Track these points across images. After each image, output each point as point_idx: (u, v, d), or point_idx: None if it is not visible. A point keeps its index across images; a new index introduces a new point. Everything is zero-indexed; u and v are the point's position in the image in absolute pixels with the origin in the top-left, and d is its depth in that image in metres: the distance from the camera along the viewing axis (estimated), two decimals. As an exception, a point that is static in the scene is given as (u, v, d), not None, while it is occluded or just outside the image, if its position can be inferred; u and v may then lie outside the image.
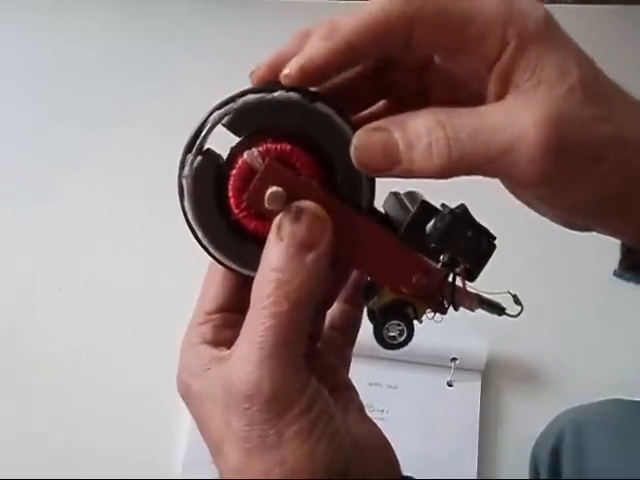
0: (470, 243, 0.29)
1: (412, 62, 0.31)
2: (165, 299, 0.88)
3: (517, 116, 0.25)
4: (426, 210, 0.29)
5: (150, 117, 1.01)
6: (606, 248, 0.92)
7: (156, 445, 0.82)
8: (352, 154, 0.27)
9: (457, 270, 0.29)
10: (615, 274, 0.93)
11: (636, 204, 0.27)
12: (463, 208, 0.29)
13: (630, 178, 0.26)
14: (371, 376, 0.82)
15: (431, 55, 0.30)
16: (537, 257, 0.89)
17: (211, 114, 0.28)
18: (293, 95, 0.28)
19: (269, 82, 0.29)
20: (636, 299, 0.92)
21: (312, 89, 0.28)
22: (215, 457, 0.28)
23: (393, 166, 0.27)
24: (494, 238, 0.29)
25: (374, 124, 0.27)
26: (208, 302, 0.31)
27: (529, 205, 0.31)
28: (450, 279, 0.29)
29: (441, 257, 0.29)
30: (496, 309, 0.32)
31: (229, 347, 0.29)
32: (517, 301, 0.32)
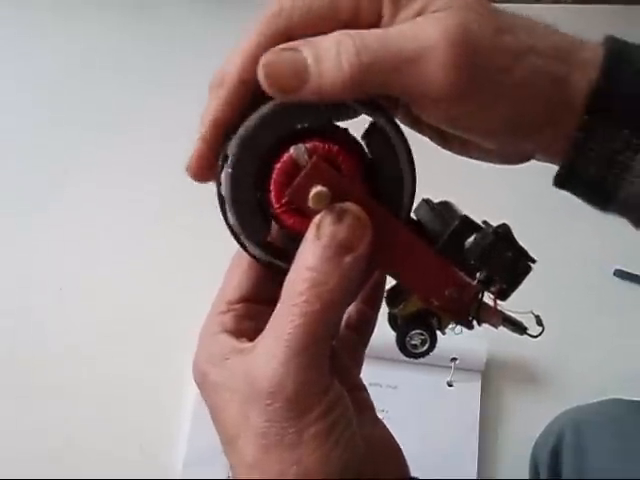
0: (509, 264, 0.29)
1: None
2: (165, 301, 0.88)
3: (425, 28, 0.25)
4: (467, 225, 0.29)
5: (150, 119, 1.01)
6: (606, 248, 0.93)
7: (156, 445, 0.82)
8: (259, 73, 0.26)
9: (492, 289, 0.29)
10: (615, 274, 0.93)
11: (555, 118, 0.27)
12: (506, 228, 0.29)
13: (541, 88, 0.26)
14: (371, 376, 0.81)
15: None
16: (537, 257, 0.89)
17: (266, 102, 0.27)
18: (352, 102, 0.27)
19: None
20: (636, 299, 0.92)
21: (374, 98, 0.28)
22: (228, 448, 0.28)
23: (302, 83, 0.26)
24: (534, 261, 0.29)
25: (284, 44, 0.27)
26: (231, 291, 0.31)
27: (449, 145, 0.31)
28: (480, 296, 0.29)
29: (477, 274, 0.29)
30: (518, 328, 0.32)
31: (250, 339, 0.28)
32: (539, 322, 0.31)
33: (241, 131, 0.28)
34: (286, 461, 0.26)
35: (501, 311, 0.30)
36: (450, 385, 0.84)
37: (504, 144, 0.28)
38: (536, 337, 0.31)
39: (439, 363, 0.83)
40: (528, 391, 0.87)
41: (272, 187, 0.28)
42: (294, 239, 0.28)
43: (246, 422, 0.26)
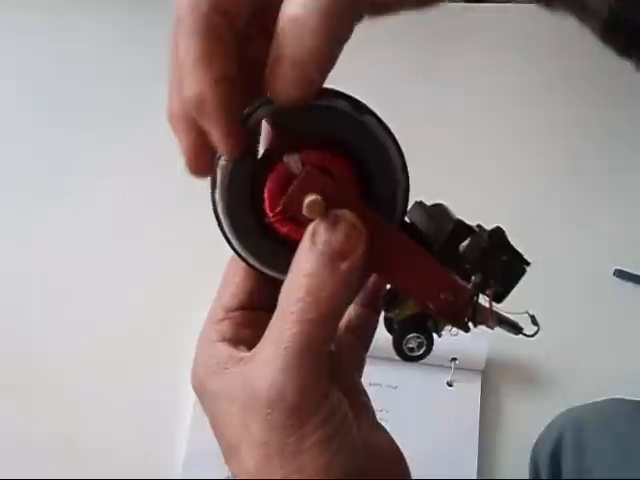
0: (504, 267, 0.29)
1: None
2: (165, 300, 0.88)
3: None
4: (461, 229, 0.29)
5: (151, 120, 1.00)
6: (606, 248, 0.93)
7: (156, 445, 0.82)
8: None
9: (487, 292, 0.29)
10: (615, 274, 0.93)
11: None
12: (500, 232, 0.29)
13: None
14: (371, 376, 0.82)
15: None
16: (537, 257, 0.89)
17: (260, 106, 0.27)
18: (343, 104, 0.27)
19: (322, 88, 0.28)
20: (636, 299, 0.92)
21: (360, 100, 0.28)
22: (229, 458, 0.28)
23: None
24: (528, 264, 0.29)
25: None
26: (228, 298, 0.31)
27: None
28: (475, 299, 0.30)
29: (473, 277, 0.29)
30: (514, 328, 0.32)
31: (248, 346, 0.28)
32: (534, 321, 0.32)
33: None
34: (288, 470, 0.26)
35: (497, 312, 0.31)
36: (450, 385, 0.84)
37: None
38: (532, 336, 0.31)
39: (439, 363, 0.83)
40: (528, 391, 0.87)
41: (266, 196, 0.28)
42: (290, 247, 0.28)
43: (247, 431, 0.26)
